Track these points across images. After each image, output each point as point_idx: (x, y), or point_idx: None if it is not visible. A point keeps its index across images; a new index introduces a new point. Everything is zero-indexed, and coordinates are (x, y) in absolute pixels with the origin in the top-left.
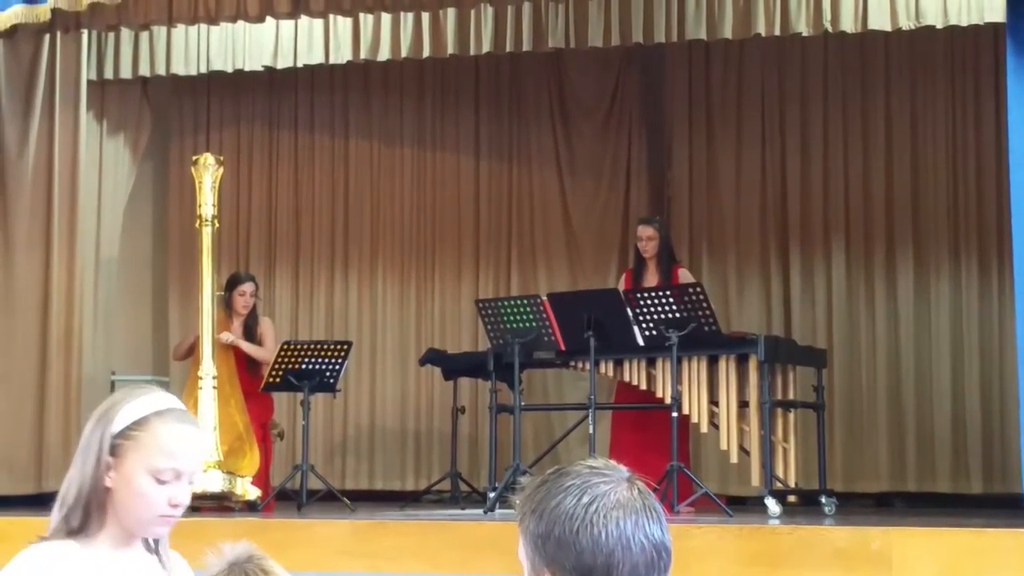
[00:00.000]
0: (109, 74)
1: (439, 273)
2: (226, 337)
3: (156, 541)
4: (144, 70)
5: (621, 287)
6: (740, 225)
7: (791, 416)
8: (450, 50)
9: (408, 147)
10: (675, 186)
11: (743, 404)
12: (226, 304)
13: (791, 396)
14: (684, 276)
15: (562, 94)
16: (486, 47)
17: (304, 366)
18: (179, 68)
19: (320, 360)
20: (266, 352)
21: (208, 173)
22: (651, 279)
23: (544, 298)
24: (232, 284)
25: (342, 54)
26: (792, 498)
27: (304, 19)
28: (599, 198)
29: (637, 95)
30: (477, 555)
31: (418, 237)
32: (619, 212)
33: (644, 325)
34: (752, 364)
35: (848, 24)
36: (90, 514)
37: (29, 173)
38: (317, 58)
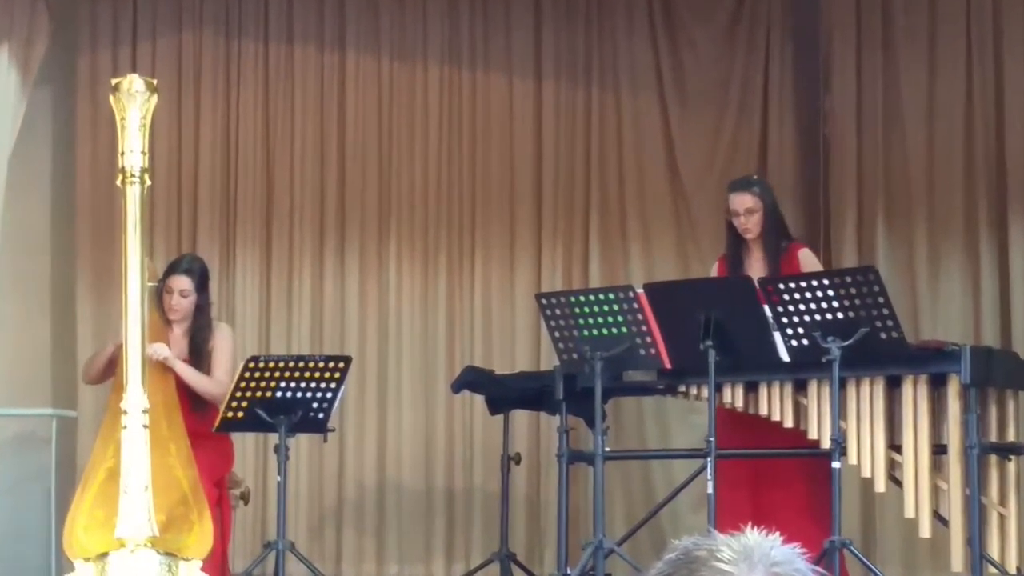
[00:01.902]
0: None
1: (481, 253)
2: (158, 352)
3: None
4: None
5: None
6: (935, 181)
7: (1011, 466)
8: None
9: (435, 65)
10: (835, 122)
11: (939, 449)
12: (162, 300)
13: (1012, 437)
14: (807, 261)
15: None
16: None
17: (280, 394)
18: None
19: (304, 385)
20: (215, 386)
21: (135, 105)
22: (755, 268)
23: (640, 291)
24: (165, 273)
25: None
26: None
27: None
28: (721, 140)
29: None
30: None
31: (449, 199)
32: (751, 159)
33: (790, 331)
34: (953, 389)
35: None
36: None
37: None
38: None
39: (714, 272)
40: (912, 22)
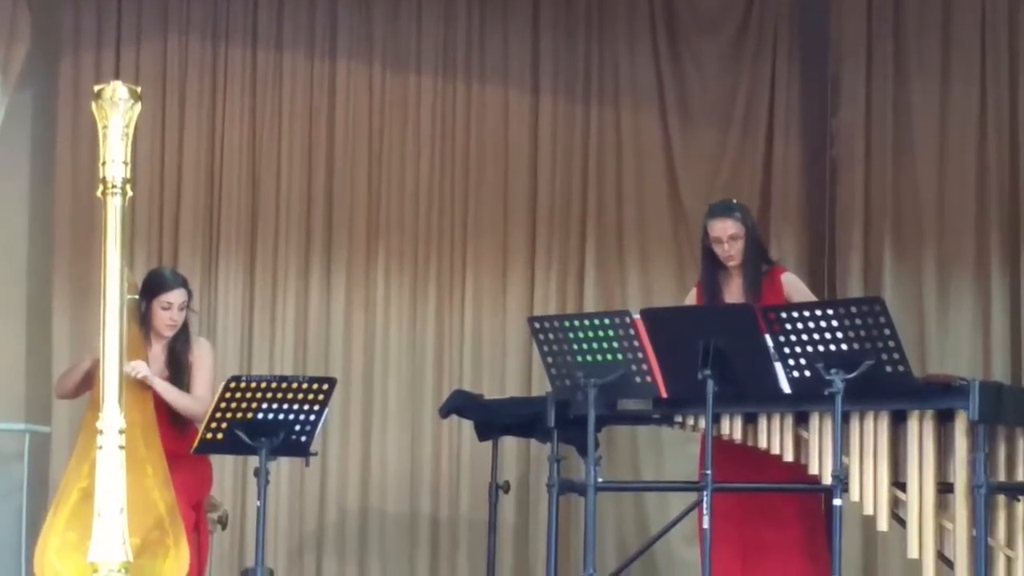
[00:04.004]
0: None
1: (472, 273)
2: (136, 369)
3: None
4: None
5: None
6: (945, 207)
7: (1020, 507)
8: None
9: (428, 75)
10: (844, 143)
11: (945, 488)
12: (142, 316)
13: (1020, 477)
14: (792, 285)
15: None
16: None
17: (261, 416)
18: None
19: (286, 407)
20: (195, 404)
21: (118, 112)
22: (735, 294)
23: (636, 316)
24: (153, 289)
25: None
26: None
27: None
28: (724, 159)
29: (787, 1)
30: None
31: (440, 216)
32: (755, 180)
33: (792, 362)
34: (960, 426)
35: None
36: None
37: None
38: None
39: (691, 301)
40: (924, 43)
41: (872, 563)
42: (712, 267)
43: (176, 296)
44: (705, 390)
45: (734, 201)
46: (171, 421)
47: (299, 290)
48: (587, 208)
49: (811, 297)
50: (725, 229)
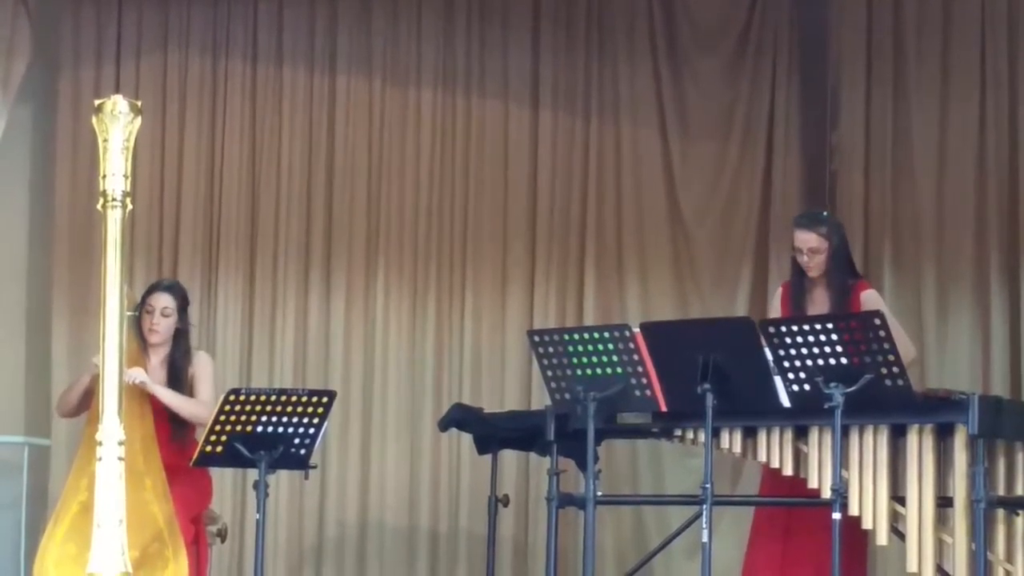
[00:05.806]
0: None
1: (472, 286)
2: (134, 376)
3: None
4: None
5: (774, 311)
6: (944, 220)
7: (1019, 522)
8: None
9: (428, 90)
10: (843, 156)
11: (944, 502)
12: (141, 328)
13: (1020, 491)
14: (871, 302)
15: (669, 13)
16: None
17: (260, 429)
18: None
19: (286, 420)
20: (200, 407)
21: (118, 126)
22: (818, 303)
23: (636, 330)
24: (143, 295)
25: None
26: None
27: None
28: (724, 173)
29: (785, 16)
30: None
31: (440, 230)
32: (754, 194)
33: (792, 376)
34: (960, 440)
35: None
36: None
37: None
38: None
39: (777, 298)
40: (924, 59)
41: None
42: (799, 273)
43: (157, 300)
44: (704, 404)
45: (824, 213)
46: (171, 434)
47: (299, 304)
48: (587, 222)
49: None
50: (806, 241)
